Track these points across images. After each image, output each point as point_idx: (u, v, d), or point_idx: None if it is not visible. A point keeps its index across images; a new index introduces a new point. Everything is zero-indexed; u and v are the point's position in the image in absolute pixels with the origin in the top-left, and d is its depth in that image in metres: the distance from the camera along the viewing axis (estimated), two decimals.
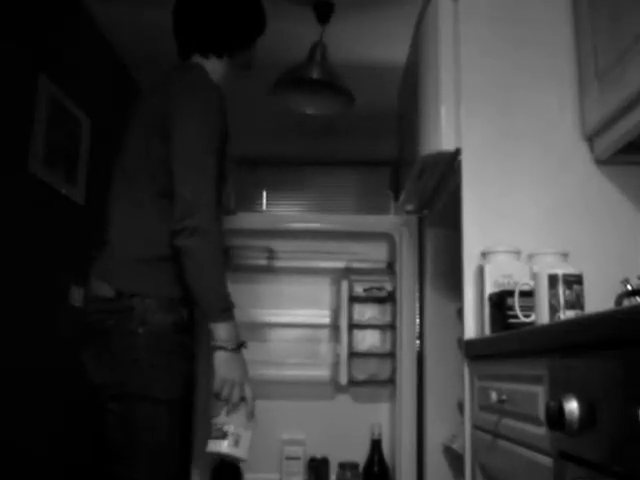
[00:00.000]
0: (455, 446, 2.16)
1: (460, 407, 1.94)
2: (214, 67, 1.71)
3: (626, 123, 1.47)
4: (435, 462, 2.42)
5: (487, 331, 1.56)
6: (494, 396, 1.33)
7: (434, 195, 2.23)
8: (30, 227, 2.45)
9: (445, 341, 2.42)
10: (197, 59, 1.72)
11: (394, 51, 3.16)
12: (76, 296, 2.84)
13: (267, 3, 2.92)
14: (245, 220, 2.87)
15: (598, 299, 1.37)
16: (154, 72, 3.84)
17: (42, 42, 2.52)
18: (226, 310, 1.50)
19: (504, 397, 1.29)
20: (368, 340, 2.88)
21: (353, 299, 2.83)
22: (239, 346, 1.52)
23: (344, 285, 2.78)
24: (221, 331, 1.48)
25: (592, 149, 1.70)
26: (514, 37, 1.78)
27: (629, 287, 1.36)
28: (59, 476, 2.69)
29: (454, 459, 2.29)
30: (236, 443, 1.50)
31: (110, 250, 1.62)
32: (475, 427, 1.55)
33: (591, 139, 1.70)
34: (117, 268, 1.58)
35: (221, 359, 1.49)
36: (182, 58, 1.76)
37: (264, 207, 4.46)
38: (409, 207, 2.53)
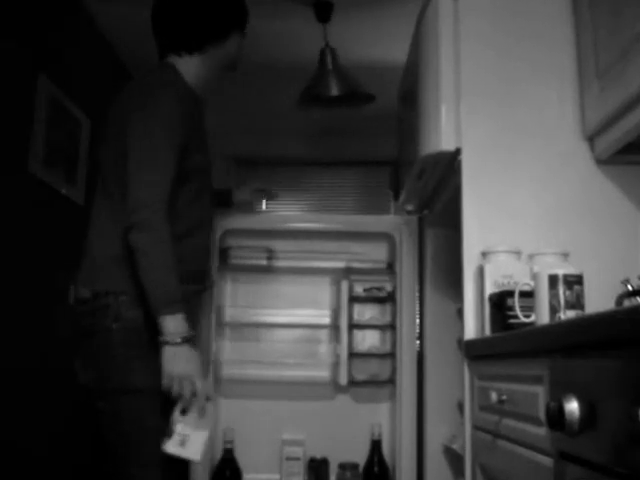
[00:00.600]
0: (455, 446, 2.15)
1: (460, 407, 1.94)
2: (188, 66, 1.71)
3: (626, 123, 1.46)
4: (435, 462, 2.41)
5: (487, 331, 1.56)
6: (494, 396, 1.33)
7: (434, 195, 2.23)
8: (30, 227, 2.44)
9: (445, 341, 2.41)
10: (171, 58, 1.72)
11: (394, 50, 3.16)
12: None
13: (267, 3, 2.92)
14: (245, 220, 2.87)
15: (598, 299, 1.37)
16: None
17: (42, 42, 2.52)
18: (172, 303, 1.49)
19: (504, 397, 1.29)
20: (368, 340, 2.87)
21: (353, 299, 2.82)
22: (186, 340, 1.49)
23: (344, 285, 2.78)
24: (167, 323, 1.47)
25: (592, 149, 1.70)
26: (515, 35, 1.78)
27: (629, 287, 1.36)
28: (60, 476, 2.69)
29: (454, 459, 2.29)
30: (182, 443, 1.48)
31: (87, 253, 1.66)
32: (475, 427, 1.55)
33: (591, 139, 1.69)
34: (92, 270, 1.62)
35: (168, 354, 1.47)
36: (160, 58, 1.75)
37: (264, 207, 4.46)
38: (409, 207, 2.52)
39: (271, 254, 2.84)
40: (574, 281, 1.32)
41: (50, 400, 2.59)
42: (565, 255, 1.55)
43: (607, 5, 1.54)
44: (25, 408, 2.39)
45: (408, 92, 2.17)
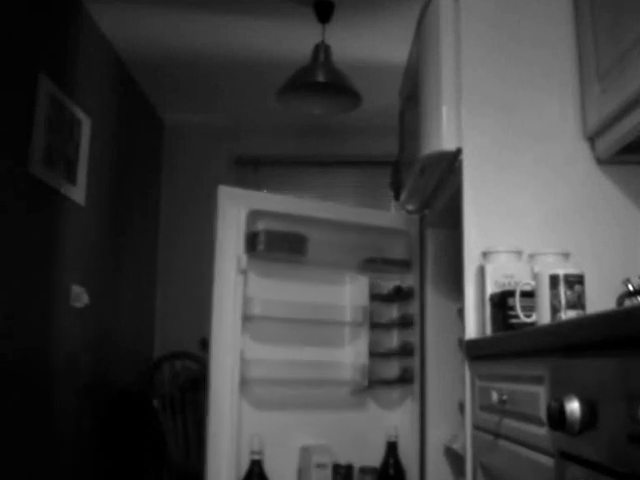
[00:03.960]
0: (456, 446, 2.15)
1: (461, 407, 1.94)
2: None
3: (627, 123, 1.46)
4: (436, 463, 2.41)
5: (488, 331, 1.56)
6: (495, 396, 1.33)
7: (435, 195, 2.22)
8: (30, 227, 2.44)
9: (446, 341, 2.41)
10: None
11: (395, 50, 3.16)
12: (76, 296, 2.84)
13: (267, 3, 2.92)
14: (272, 201, 2.50)
15: (599, 299, 1.37)
16: (154, 72, 3.87)
17: (42, 42, 2.52)
18: None
19: (505, 397, 1.29)
20: (387, 339, 2.73)
21: (374, 297, 2.65)
22: None
23: (364, 282, 2.63)
24: None
25: (593, 149, 1.70)
26: (515, 37, 1.78)
27: (630, 287, 1.36)
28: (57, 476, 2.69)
29: (455, 459, 2.29)
30: None
31: None
32: (476, 427, 1.55)
33: (592, 139, 1.70)
34: None
35: None
36: None
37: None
38: (410, 207, 2.52)
39: (302, 243, 2.49)
40: (575, 281, 1.32)
41: (50, 400, 2.59)
42: (566, 255, 1.55)
43: (608, 8, 1.54)
44: (25, 408, 2.39)
45: (409, 92, 2.18)
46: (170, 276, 4.20)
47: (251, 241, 2.36)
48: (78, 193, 2.85)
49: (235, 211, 2.32)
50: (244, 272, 2.31)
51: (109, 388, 3.30)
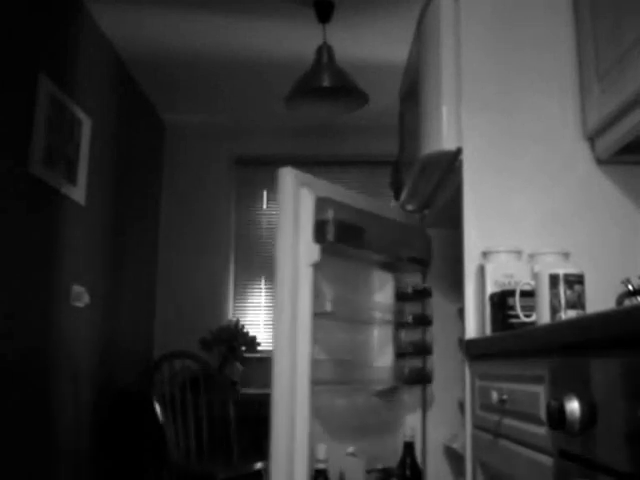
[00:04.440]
0: (455, 446, 2.15)
1: (461, 407, 1.94)
2: None
3: (627, 123, 1.47)
4: (436, 462, 2.41)
5: (488, 331, 1.56)
6: (495, 396, 1.33)
7: (435, 195, 2.22)
8: (30, 227, 2.45)
9: (446, 341, 2.41)
10: None
11: (395, 50, 3.16)
12: (77, 296, 2.84)
13: (268, 3, 2.92)
14: (339, 192, 2.25)
15: (599, 299, 1.37)
16: (154, 72, 3.87)
17: (42, 41, 2.52)
18: None
19: (505, 397, 1.29)
20: (405, 339, 2.67)
21: (400, 296, 2.55)
22: None
23: (390, 280, 2.55)
24: None
25: (593, 149, 1.70)
26: (515, 37, 1.78)
27: (630, 287, 1.36)
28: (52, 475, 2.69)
29: (454, 459, 2.29)
30: None
31: None
32: (476, 427, 1.55)
33: (592, 139, 1.70)
34: None
35: None
36: None
37: (264, 207, 4.46)
38: (410, 207, 2.52)
39: (362, 237, 2.27)
40: (575, 281, 1.32)
41: (49, 400, 2.59)
42: (566, 255, 1.55)
43: (608, 11, 1.54)
44: (24, 408, 2.39)
45: (409, 91, 2.18)
46: (170, 276, 4.20)
47: (320, 230, 2.08)
48: (78, 193, 2.85)
49: (304, 197, 2.05)
50: (315, 264, 2.03)
51: (109, 388, 3.31)
